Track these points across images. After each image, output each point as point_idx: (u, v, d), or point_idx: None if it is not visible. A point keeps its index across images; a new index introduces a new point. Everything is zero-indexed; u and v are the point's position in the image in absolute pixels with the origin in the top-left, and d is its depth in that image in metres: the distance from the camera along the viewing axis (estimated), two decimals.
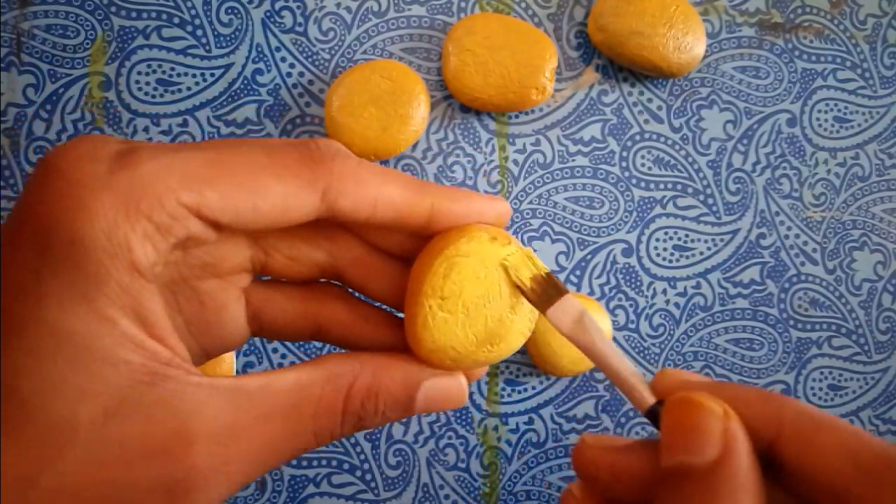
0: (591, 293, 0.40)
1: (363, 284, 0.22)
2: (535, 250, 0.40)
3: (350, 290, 0.23)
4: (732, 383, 0.19)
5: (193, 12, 0.38)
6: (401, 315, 0.22)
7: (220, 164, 0.18)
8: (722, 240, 0.41)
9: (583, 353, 0.21)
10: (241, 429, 0.17)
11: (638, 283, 0.40)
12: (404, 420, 0.39)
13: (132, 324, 0.17)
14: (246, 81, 0.39)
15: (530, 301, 0.21)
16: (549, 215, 0.40)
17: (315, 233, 0.22)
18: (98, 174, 0.17)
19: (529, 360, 0.39)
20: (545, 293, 0.20)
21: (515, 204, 0.40)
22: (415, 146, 0.39)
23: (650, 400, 0.19)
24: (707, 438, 0.17)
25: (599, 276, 0.40)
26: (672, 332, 0.40)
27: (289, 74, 0.39)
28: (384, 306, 0.23)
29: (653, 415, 0.19)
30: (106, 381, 0.16)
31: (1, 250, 0.17)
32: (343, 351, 0.21)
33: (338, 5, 0.39)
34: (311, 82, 0.39)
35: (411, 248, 0.22)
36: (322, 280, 0.23)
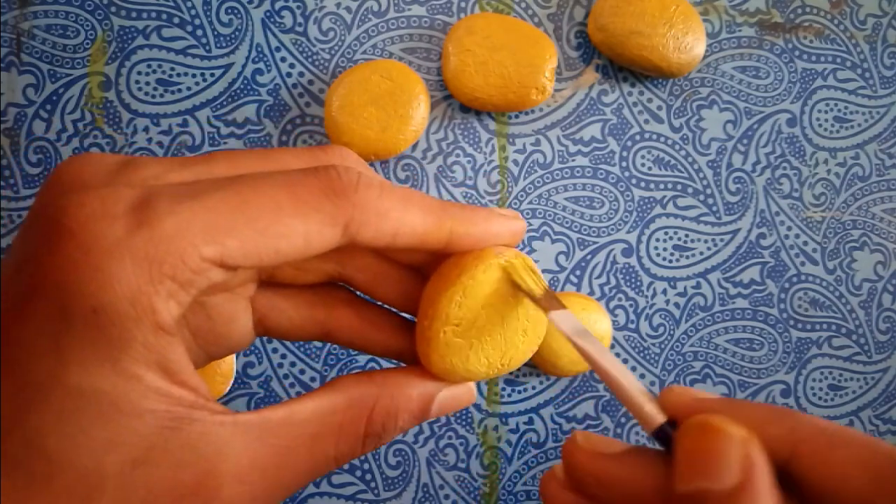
0: (591, 293, 0.40)
1: (371, 289, 0.23)
2: (534, 251, 0.40)
3: (357, 292, 0.23)
4: (744, 401, 0.20)
5: (193, 12, 0.38)
6: (407, 316, 0.23)
7: (242, 210, 0.17)
8: (722, 240, 0.41)
9: (586, 362, 0.20)
10: (265, 465, 0.18)
11: (638, 283, 0.40)
12: None
13: (157, 377, 0.17)
14: (246, 81, 0.39)
15: (537, 304, 0.21)
16: (549, 215, 0.40)
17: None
18: (116, 236, 0.16)
19: (529, 360, 0.39)
20: (548, 303, 0.21)
21: (515, 204, 0.40)
22: (415, 146, 0.39)
23: (659, 419, 0.19)
24: (728, 464, 0.17)
25: (599, 276, 0.40)
26: (672, 332, 0.40)
27: (289, 74, 0.39)
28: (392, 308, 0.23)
29: (661, 435, 0.19)
30: (132, 431, 0.16)
31: (6, 314, 0.17)
32: (353, 363, 0.21)
33: (338, 5, 0.39)
34: (311, 82, 0.39)
35: (423, 260, 0.22)
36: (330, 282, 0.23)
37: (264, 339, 0.38)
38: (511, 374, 0.39)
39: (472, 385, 0.22)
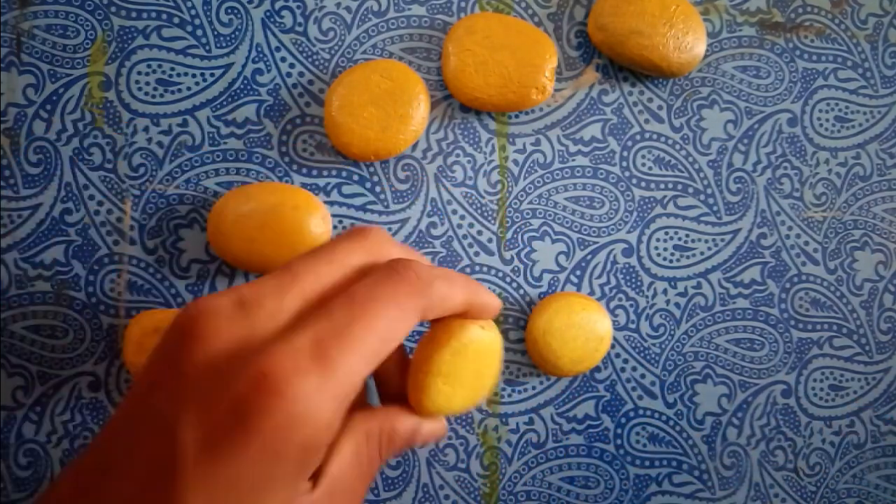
0: (592, 293, 0.40)
1: None
2: (534, 250, 0.40)
3: None
4: None
5: (193, 12, 0.38)
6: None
7: (373, 330, 0.23)
8: (723, 240, 0.41)
9: None
10: None
11: (638, 283, 0.40)
12: None
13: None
14: (246, 81, 0.39)
15: None
16: (549, 215, 0.40)
17: None
18: (312, 387, 0.21)
19: (529, 361, 0.39)
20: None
21: (515, 204, 0.40)
22: (415, 146, 0.39)
23: None
24: None
25: (600, 276, 0.40)
26: (673, 332, 0.40)
27: (289, 74, 0.39)
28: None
29: None
30: None
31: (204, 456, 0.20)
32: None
33: (338, 5, 0.39)
34: (311, 82, 0.39)
35: None
36: None
37: None
38: (511, 374, 0.39)
39: (444, 420, 0.29)
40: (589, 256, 0.40)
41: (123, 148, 0.38)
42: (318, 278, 0.24)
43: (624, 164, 0.40)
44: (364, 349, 0.22)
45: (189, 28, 0.38)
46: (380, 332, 0.23)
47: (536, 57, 0.38)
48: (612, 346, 0.40)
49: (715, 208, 0.40)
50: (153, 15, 0.38)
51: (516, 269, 0.39)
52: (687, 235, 0.40)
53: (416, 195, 0.39)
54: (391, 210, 0.39)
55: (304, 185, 0.39)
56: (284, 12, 0.39)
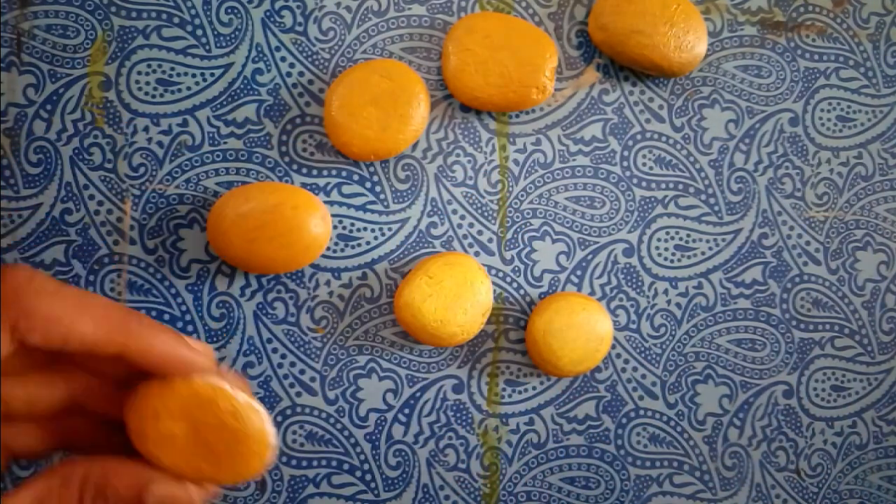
0: (592, 293, 0.40)
1: (105, 411, 0.25)
2: (535, 250, 0.40)
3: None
4: None
5: (193, 12, 0.38)
6: None
7: None
8: (724, 239, 0.40)
9: None
10: None
11: (639, 284, 0.40)
12: (404, 420, 0.39)
13: None
14: (246, 81, 0.38)
15: None
16: (550, 215, 0.40)
17: (51, 374, 0.24)
18: None
19: (530, 361, 0.39)
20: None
21: (516, 203, 0.39)
22: (415, 146, 0.39)
23: None
24: None
25: (600, 277, 0.40)
26: (674, 332, 0.40)
27: (289, 74, 0.39)
28: None
29: None
30: None
31: None
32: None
33: (338, 5, 0.39)
34: (311, 82, 0.39)
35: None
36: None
37: (264, 338, 0.38)
38: (511, 374, 0.39)
39: (192, 490, 0.23)
40: (589, 256, 0.40)
41: (123, 148, 0.38)
42: None
43: (625, 163, 0.40)
44: None
45: (189, 28, 0.38)
46: None
47: (537, 56, 0.37)
48: (613, 347, 0.40)
49: (716, 208, 0.40)
50: (153, 15, 0.38)
51: (517, 269, 0.39)
52: (688, 235, 0.40)
53: (416, 195, 0.39)
54: (391, 210, 0.39)
55: (304, 185, 0.39)
56: (284, 12, 0.39)
